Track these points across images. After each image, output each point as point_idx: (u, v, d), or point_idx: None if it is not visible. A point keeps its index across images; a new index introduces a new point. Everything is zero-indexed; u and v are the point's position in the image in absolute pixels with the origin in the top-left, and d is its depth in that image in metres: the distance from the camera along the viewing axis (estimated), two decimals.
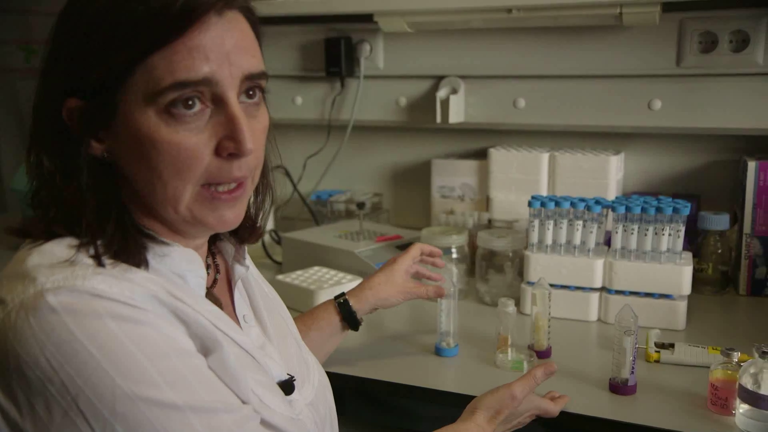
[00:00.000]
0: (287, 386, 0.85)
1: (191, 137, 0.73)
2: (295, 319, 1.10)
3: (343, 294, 1.26)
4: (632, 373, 1.15)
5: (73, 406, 0.65)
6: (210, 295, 0.85)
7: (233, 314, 0.89)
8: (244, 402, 0.76)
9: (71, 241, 0.74)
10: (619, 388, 1.16)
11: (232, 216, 0.80)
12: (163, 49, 0.71)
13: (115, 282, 0.69)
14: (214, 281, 0.89)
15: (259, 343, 0.87)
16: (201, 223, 0.78)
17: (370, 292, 1.26)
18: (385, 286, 1.27)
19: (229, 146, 0.75)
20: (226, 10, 0.75)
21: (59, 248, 0.72)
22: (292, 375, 0.87)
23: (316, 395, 0.92)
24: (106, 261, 0.72)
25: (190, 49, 0.72)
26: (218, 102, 0.75)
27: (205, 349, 0.74)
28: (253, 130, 0.78)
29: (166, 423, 0.66)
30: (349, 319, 1.24)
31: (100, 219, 0.75)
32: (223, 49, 0.74)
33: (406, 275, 1.31)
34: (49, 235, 0.75)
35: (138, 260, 0.75)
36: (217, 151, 0.75)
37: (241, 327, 0.87)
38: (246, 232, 0.92)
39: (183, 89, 0.72)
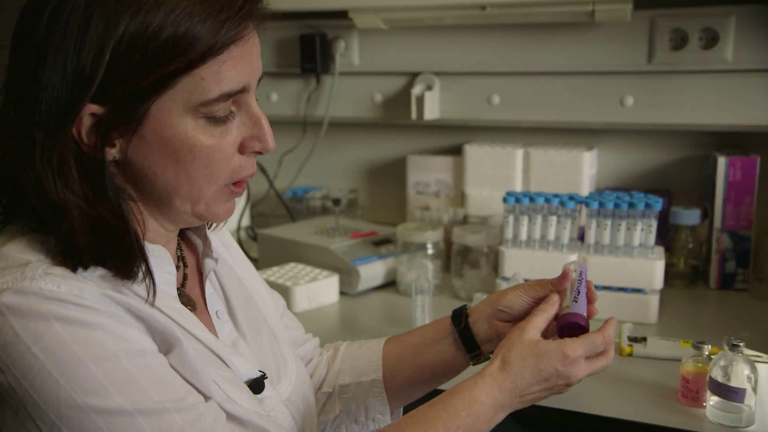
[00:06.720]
0: (257, 385, 0.84)
1: (224, 140, 0.76)
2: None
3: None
4: None
5: (21, 407, 0.66)
6: (182, 296, 0.84)
7: (206, 310, 0.88)
8: (207, 396, 0.75)
9: (30, 239, 0.72)
10: None
11: (233, 206, 0.83)
12: (213, 58, 0.71)
13: (64, 282, 0.68)
14: (185, 277, 0.87)
15: (231, 340, 0.87)
16: (211, 216, 0.80)
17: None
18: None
19: (255, 145, 0.78)
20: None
21: (14, 249, 0.71)
22: (264, 372, 0.86)
23: (294, 390, 0.91)
24: (64, 259, 0.70)
25: (234, 59, 0.73)
26: (241, 103, 0.77)
27: (167, 344, 0.74)
28: None
29: (110, 428, 0.66)
30: (457, 321, 1.00)
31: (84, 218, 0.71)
32: (255, 57, 0.76)
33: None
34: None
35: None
36: (241, 150, 0.78)
37: (213, 323, 0.87)
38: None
39: (227, 99, 0.74)
